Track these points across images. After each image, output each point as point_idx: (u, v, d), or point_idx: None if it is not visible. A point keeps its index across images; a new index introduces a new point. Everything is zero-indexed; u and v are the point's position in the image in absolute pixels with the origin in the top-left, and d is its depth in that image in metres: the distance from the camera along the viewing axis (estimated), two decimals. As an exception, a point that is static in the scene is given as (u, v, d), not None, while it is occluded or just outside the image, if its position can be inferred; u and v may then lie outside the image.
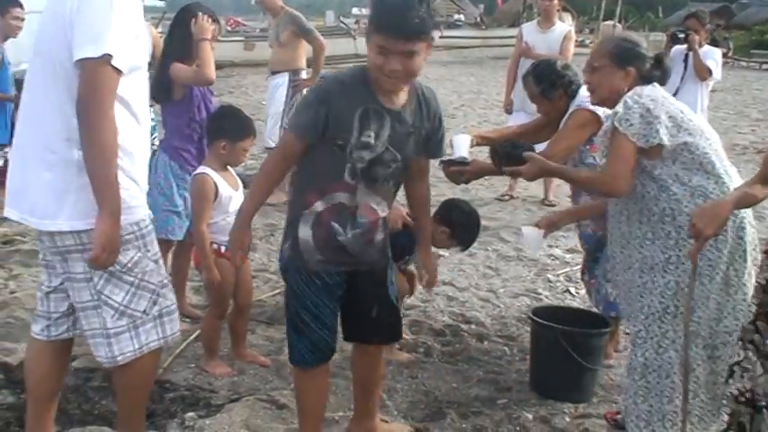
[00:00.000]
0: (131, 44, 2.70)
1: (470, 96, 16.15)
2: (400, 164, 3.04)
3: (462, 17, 43.29)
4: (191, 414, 3.71)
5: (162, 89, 4.57)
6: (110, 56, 2.59)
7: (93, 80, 2.59)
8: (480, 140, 4.29)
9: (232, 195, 4.06)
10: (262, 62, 15.33)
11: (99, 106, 2.60)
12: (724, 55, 10.18)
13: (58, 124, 2.71)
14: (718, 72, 7.63)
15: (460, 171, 3.97)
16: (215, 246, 4.03)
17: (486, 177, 7.32)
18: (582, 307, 4.97)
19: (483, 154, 4.42)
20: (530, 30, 8.22)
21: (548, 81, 4.22)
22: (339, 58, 24.47)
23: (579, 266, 4.74)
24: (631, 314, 3.36)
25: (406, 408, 3.90)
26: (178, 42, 4.63)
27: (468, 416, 3.82)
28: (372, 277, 3.23)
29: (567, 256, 6.41)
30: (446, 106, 14.59)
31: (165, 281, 3.02)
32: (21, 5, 6.79)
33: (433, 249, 5.24)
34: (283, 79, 7.80)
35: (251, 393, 3.92)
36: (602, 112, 3.92)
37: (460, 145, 4.03)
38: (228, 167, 4.16)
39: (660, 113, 3.16)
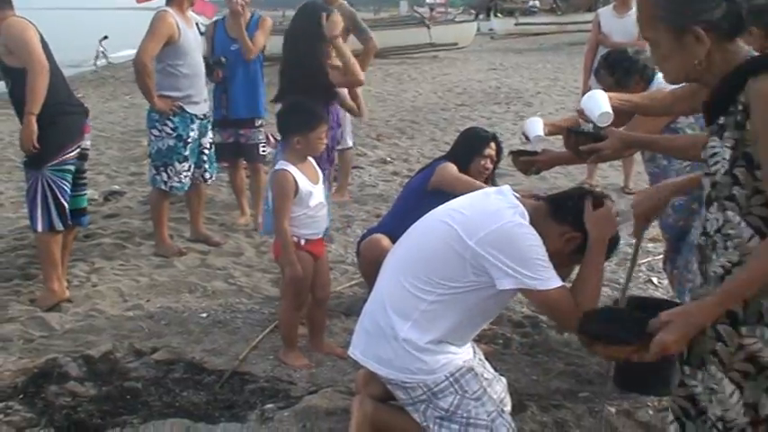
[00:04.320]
0: None
1: (547, 83, 15.93)
2: None
3: (537, 3, 42.66)
4: (270, 405, 3.75)
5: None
6: (561, 289, 2.91)
7: (562, 307, 2.92)
8: (552, 129, 4.19)
9: (312, 190, 4.08)
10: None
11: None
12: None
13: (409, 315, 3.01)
14: None
15: (531, 161, 3.90)
16: (295, 239, 4.06)
17: (564, 165, 7.19)
18: (665, 297, 4.85)
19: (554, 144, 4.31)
20: (606, 15, 8.06)
21: (622, 69, 4.11)
22: (413, 47, 24.47)
23: (661, 256, 4.62)
24: None
25: (484, 400, 3.85)
26: None
27: (548, 409, 3.76)
28: None
29: (650, 245, 6.25)
30: (522, 94, 14.42)
31: (496, 413, 3.10)
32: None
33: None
34: None
35: (329, 385, 3.93)
36: None
37: (535, 127, 3.94)
38: (309, 158, 4.18)
39: None
